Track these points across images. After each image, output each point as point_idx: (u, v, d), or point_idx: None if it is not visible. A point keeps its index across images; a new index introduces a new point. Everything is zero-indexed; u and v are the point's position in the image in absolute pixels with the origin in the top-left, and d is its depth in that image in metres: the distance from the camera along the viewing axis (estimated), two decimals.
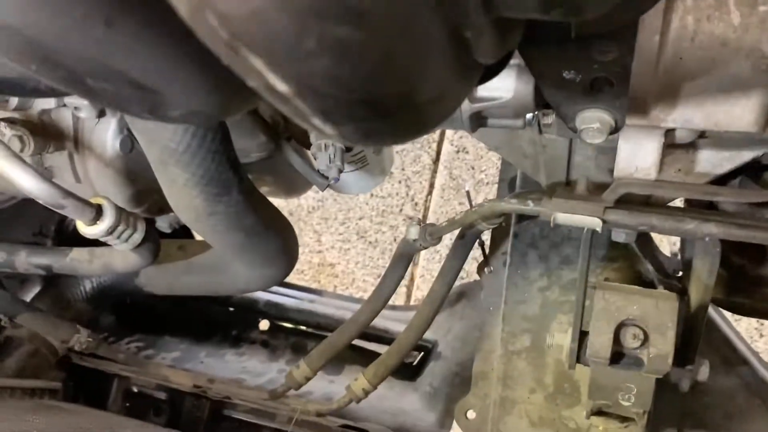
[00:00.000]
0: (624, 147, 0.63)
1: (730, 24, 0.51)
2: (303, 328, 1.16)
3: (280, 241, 0.82)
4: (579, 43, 0.46)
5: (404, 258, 0.88)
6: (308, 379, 0.91)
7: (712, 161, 0.69)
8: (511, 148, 0.79)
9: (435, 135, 1.95)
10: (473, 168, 1.85)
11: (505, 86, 0.51)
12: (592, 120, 0.51)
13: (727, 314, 0.94)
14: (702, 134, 0.65)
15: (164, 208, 0.84)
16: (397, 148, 1.96)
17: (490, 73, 0.39)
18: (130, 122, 0.64)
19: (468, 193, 0.97)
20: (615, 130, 0.52)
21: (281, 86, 0.24)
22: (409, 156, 1.91)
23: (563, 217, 0.62)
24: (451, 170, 1.88)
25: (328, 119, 0.27)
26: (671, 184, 0.62)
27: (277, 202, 2.08)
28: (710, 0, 0.50)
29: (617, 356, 0.68)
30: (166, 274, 0.93)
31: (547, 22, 0.38)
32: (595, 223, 0.61)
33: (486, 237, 1.08)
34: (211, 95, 0.32)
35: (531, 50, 0.49)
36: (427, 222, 0.83)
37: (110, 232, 0.69)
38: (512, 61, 0.51)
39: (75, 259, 0.82)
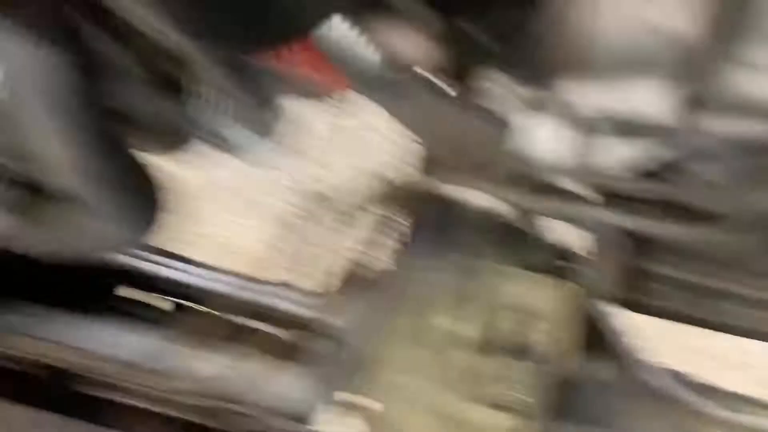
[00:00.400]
0: (532, 127, 0.59)
1: None
2: (171, 299, 1.07)
3: (141, 197, 0.74)
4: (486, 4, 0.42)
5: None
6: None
7: (617, 151, 0.67)
8: (419, 124, 0.75)
9: None
10: None
11: (413, 49, 0.46)
12: (498, 84, 0.46)
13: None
14: (608, 123, 0.63)
15: None
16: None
17: None
18: None
19: None
20: (521, 100, 0.48)
21: None
22: None
23: (467, 196, 0.58)
24: None
25: None
26: (579, 170, 0.60)
27: (171, 171, 1.95)
28: None
29: (504, 343, 0.65)
30: (16, 227, 0.83)
31: None
32: (497, 204, 0.57)
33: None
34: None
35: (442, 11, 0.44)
36: None
37: None
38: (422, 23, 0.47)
39: None
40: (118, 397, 0.85)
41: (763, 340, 0.87)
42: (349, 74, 0.49)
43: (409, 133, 0.68)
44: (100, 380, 0.89)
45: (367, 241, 0.88)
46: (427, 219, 0.93)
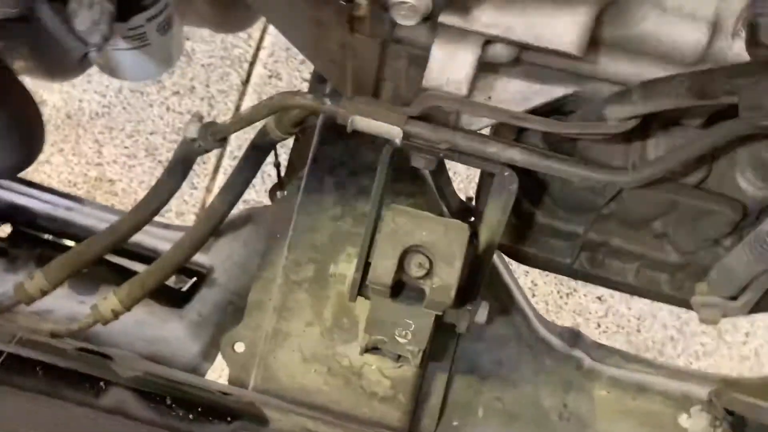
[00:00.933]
0: (437, 55, 0.56)
1: None
2: (54, 238, 0.98)
3: (18, 124, 0.65)
4: None
5: (183, 163, 0.75)
6: (44, 293, 0.75)
7: (522, 93, 0.65)
8: (318, 49, 0.70)
9: (248, 54, 1.79)
10: None
11: None
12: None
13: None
14: (516, 60, 0.60)
15: None
16: (204, 60, 1.77)
17: None
18: None
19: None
20: (429, 15, 0.44)
21: None
22: (216, 72, 1.74)
23: (362, 122, 0.54)
24: (261, 95, 1.74)
25: None
26: (480, 104, 0.57)
27: (54, 102, 1.79)
28: None
29: (399, 287, 0.62)
30: None
31: None
32: (395, 132, 0.54)
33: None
34: None
35: None
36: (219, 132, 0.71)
37: None
38: None
39: None
40: None
41: (646, 298, 0.89)
42: None
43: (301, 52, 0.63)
44: None
45: (244, 171, 0.82)
46: (322, 155, 0.88)
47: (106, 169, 1.70)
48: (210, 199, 1.68)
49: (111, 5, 0.63)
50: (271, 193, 1.00)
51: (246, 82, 1.79)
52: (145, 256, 0.96)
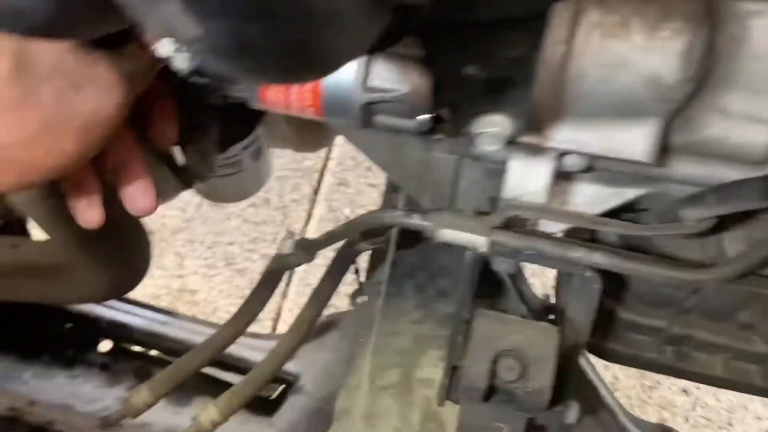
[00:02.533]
0: (514, 167, 0.60)
1: (633, 44, 0.50)
2: (151, 352, 1.04)
3: (132, 242, 0.72)
4: (487, 33, 0.43)
5: (274, 276, 0.80)
6: (148, 406, 0.80)
7: (594, 197, 0.68)
8: (397, 165, 0.75)
9: (318, 165, 1.90)
10: (353, 202, 1.81)
11: (401, 78, 0.47)
12: (490, 124, 0.47)
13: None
14: (588, 168, 0.64)
15: None
16: (277, 173, 1.87)
17: (389, 37, 0.33)
18: None
19: (347, 218, 0.92)
20: (512, 139, 0.48)
21: None
22: (288, 183, 1.84)
23: (449, 234, 0.58)
24: (331, 202, 1.83)
25: (194, 4, 0.20)
26: (561, 211, 0.60)
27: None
28: (616, 17, 0.49)
29: (490, 391, 0.64)
30: None
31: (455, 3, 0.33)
32: (481, 242, 0.57)
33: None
34: None
35: (434, 39, 0.44)
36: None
37: None
38: (412, 52, 0.47)
39: None
40: None
41: (735, 390, 0.87)
42: (326, 101, 0.49)
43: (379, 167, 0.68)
44: None
45: (330, 281, 0.86)
46: (401, 260, 0.92)
47: (188, 280, 1.79)
48: (285, 304, 1.73)
49: (215, 140, 0.71)
50: (352, 297, 1.04)
51: (317, 191, 1.89)
52: (234, 365, 1.00)
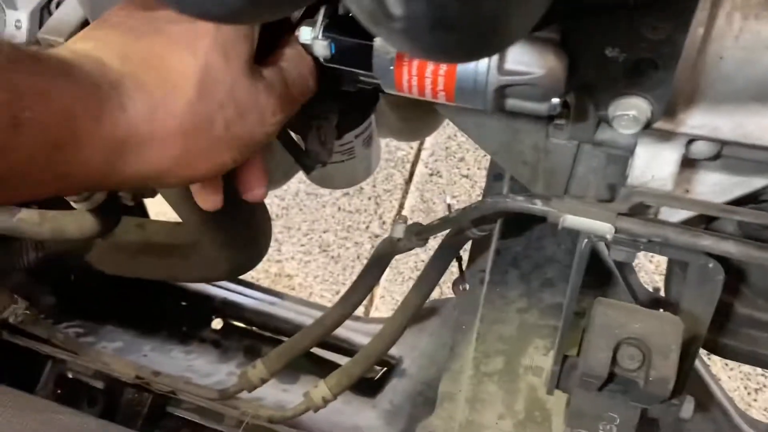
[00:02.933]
0: (641, 153, 0.59)
1: None
2: (259, 331, 1.09)
3: (255, 225, 0.75)
4: (630, 15, 0.42)
5: (383, 259, 0.82)
6: (264, 381, 0.83)
7: (721, 185, 0.66)
8: (510, 152, 0.75)
9: (411, 155, 1.92)
10: (444, 192, 1.82)
11: (537, 61, 0.47)
12: (629, 107, 0.47)
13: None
14: (717, 154, 0.62)
15: None
16: None
17: (544, 19, 0.34)
18: None
19: (449, 206, 0.93)
20: (649, 123, 0.48)
21: None
22: (381, 174, 1.87)
23: (573, 220, 0.58)
24: (423, 192, 1.84)
25: None
26: (689, 199, 0.59)
27: None
28: None
29: (608, 379, 0.63)
30: (120, 251, 0.85)
31: None
32: (607, 228, 0.57)
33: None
34: None
35: (574, 20, 0.44)
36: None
37: None
38: (548, 35, 0.47)
39: (23, 220, 0.74)
40: (212, 424, 0.85)
41: None
42: (460, 85, 0.49)
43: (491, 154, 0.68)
44: (193, 405, 0.90)
45: (436, 267, 0.87)
46: (505, 248, 0.92)
47: (285, 265, 1.85)
48: (377, 291, 1.76)
49: (333, 127, 0.73)
50: (455, 285, 1.05)
51: (409, 181, 1.90)
52: (338, 346, 1.03)
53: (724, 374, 1.66)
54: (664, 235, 0.57)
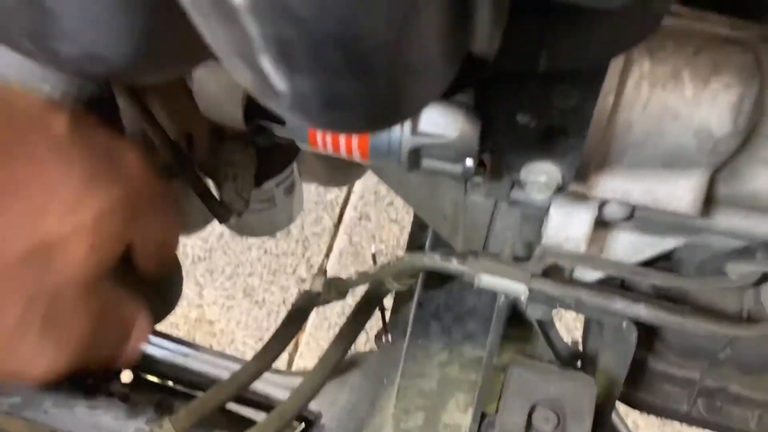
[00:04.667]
0: (555, 215, 0.59)
1: (683, 96, 0.49)
2: (172, 384, 1.03)
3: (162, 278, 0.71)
4: (541, 82, 0.43)
5: (301, 313, 0.80)
6: None
7: (633, 245, 0.67)
8: (431, 207, 0.75)
9: (340, 198, 1.91)
10: (374, 237, 1.81)
11: (450, 124, 0.47)
12: (540, 172, 0.47)
13: None
14: (629, 216, 0.63)
15: None
16: None
17: (455, 86, 0.33)
18: None
19: (374, 255, 0.91)
20: (561, 187, 0.48)
21: None
22: (310, 216, 1.85)
23: (488, 280, 0.58)
24: (352, 236, 1.83)
25: (284, 60, 0.20)
26: (601, 260, 0.59)
27: None
28: (666, 68, 0.49)
29: None
30: None
31: (514, 51, 0.33)
32: (521, 290, 0.57)
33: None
34: (127, 31, 0.24)
35: (486, 85, 0.44)
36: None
37: None
38: (461, 99, 0.47)
39: None
40: None
41: None
42: (375, 144, 0.49)
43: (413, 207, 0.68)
44: None
45: (356, 321, 0.86)
46: (427, 300, 0.91)
47: (206, 310, 1.79)
48: (303, 338, 1.72)
49: (251, 176, 0.71)
50: (377, 337, 1.03)
51: (338, 224, 1.89)
52: (257, 402, 0.99)
53: (642, 420, 1.69)
54: (577, 297, 0.57)
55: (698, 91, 0.49)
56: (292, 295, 1.77)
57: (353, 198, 1.90)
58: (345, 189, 1.91)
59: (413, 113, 0.26)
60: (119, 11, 0.24)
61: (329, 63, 0.20)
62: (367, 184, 1.90)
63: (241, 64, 0.21)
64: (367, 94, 0.22)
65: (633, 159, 0.52)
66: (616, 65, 0.48)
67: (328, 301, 0.75)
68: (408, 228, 1.84)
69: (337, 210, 1.88)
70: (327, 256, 1.81)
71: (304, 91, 0.21)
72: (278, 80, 0.21)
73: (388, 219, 1.87)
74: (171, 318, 1.75)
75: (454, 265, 0.60)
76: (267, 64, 0.20)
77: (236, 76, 0.23)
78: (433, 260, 0.61)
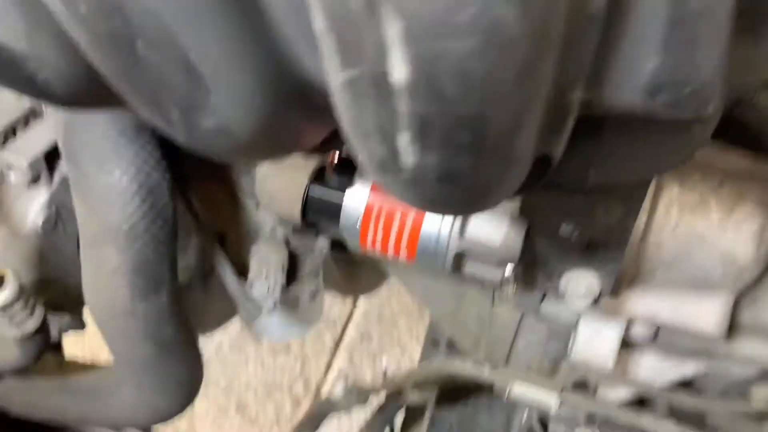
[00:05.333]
0: (584, 331, 0.61)
1: (710, 221, 0.53)
2: None
3: (186, 369, 0.71)
4: (586, 196, 0.46)
5: (317, 418, 0.79)
6: None
7: (655, 367, 0.68)
8: (455, 319, 0.76)
9: (343, 316, 1.90)
10: (375, 357, 1.79)
11: (496, 230, 0.50)
12: (580, 281, 0.49)
13: None
14: (653, 338, 0.65)
15: (63, 305, 0.73)
16: None
17: (524, 186, 0.37)
18: (74, 185, 0.57)
19: (385, 371, 0.91)
20: (597, 299, 0.50)
21: (401, 68, 0.21)
22: (311, 333, 1.83)
23: (519, 391, 0.58)
24: (352, 356, 1.81)
25: (422, 136, 0.23)
26: (632, 380, 0.61)
27: None
28: (695, 195, 0.53)
29: None
30: (32, 388, 0.78)
31: (566, 166, 0.37)
32: (551, 402, 0.57)
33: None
34: (259, 101, 0.28)
35: (535, 196, 0.48)
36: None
37: (4, 308, 0.58)
38: (506, 207, 0.51)
39: None
40: None
41: None
42: (422, 247, 0.51)
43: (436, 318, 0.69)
44: None
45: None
46: (439, 418, 0.90)
47: (196, 423, 1.73)
48: None
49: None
50: None
51: (338, 342, 1.87)
52: None
53: None
54: (608, 414, 0.57)
55: (724, 217, 0.52)
56: (287, 414, 1.72)
57: (356, 315, 1.90)
58: (348, 307, 1.92)
59: (500, 200, 0.29)
60: (260, 93, 0.27)
61: (458, 140, 0.23)
62: (371, 304, 1.91)
63: (376, 140, 0.24)
64: (477, 173, 0.25)
65: (662, 279, 0.54)
66: (649, 189, 0.52)
67: (348, 407, 0.75)
68: (409, 353, 1.82)
69: (339, 329, 1.87)
70: (325, 374, 1.78)
71: (426, 164, 0.24)
72: (409, 154, 0.24)
73: (390, 341, 1.86)
74: (160, 426, 1.69)
75: (486, 373, 0.61)
76: (404, 139, 0.23)
77: (360, 151, 0.26)
78: (464, 367, 0.61)
